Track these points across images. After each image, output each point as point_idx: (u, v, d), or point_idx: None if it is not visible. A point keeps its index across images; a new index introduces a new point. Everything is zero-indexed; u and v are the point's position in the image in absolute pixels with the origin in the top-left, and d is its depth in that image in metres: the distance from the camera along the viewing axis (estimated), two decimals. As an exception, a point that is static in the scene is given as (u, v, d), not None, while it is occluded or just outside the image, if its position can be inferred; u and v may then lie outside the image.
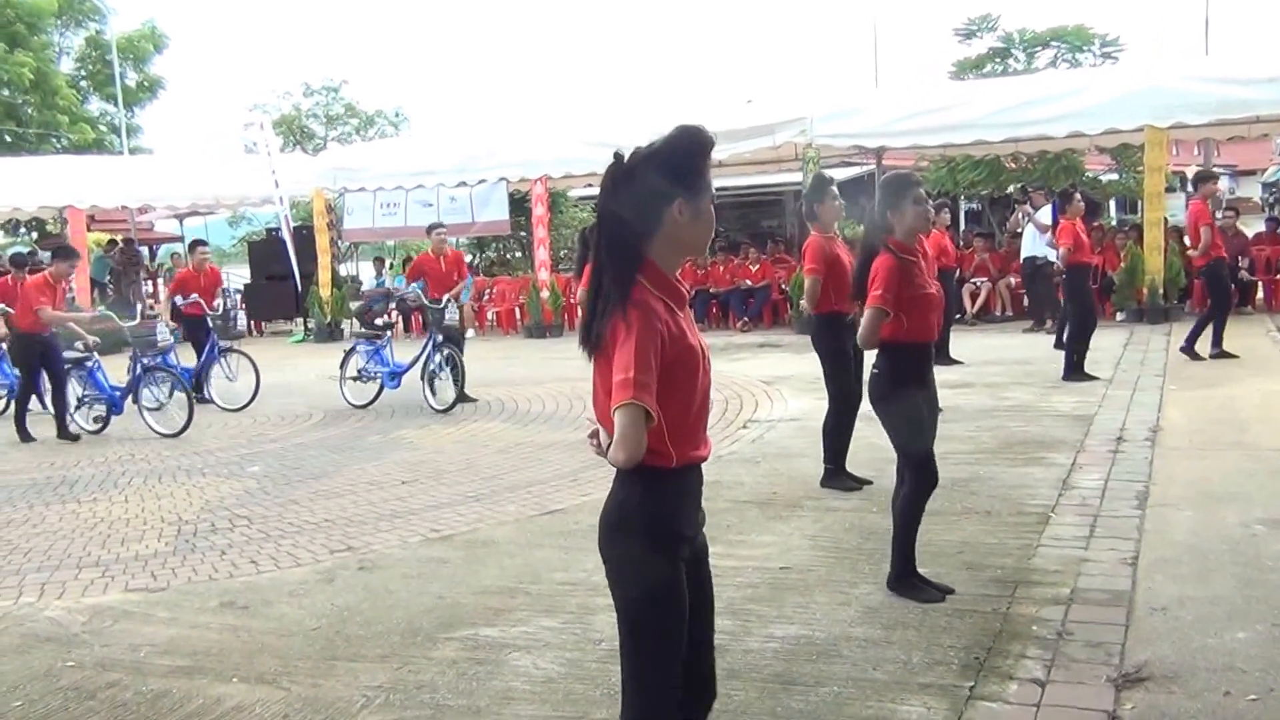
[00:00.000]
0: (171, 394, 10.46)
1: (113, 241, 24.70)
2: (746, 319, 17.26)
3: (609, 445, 2.50)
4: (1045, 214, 14.19)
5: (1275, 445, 7.25)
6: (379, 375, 11.13)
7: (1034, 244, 14.39)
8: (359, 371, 11.20)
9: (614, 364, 2.46)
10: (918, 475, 4.81)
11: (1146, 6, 75.26)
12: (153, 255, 30.00)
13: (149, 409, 10.37)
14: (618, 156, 2.59)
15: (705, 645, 2.83)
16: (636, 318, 2.47)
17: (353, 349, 11.40)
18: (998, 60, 22.59)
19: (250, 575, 5.76)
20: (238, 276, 25.91)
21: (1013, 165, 20.44)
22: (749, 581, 5.17)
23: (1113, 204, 27.12)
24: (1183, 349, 10.99)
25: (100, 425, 10.51)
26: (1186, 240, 15.61)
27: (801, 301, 7.09)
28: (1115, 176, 23.47)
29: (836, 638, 4.42)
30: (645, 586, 2.60)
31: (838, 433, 6.85)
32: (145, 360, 10.53)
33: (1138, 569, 5.02)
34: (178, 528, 6.79)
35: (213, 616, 5.14)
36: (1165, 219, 14.97)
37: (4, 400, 11.73)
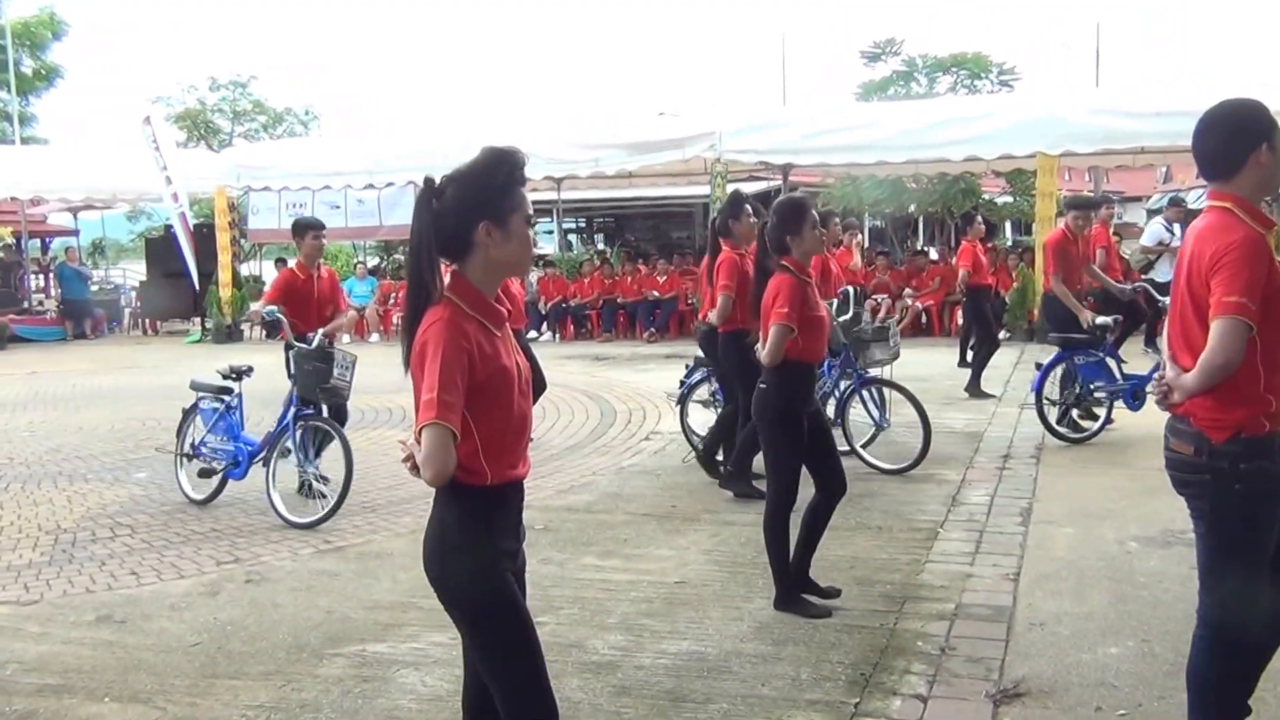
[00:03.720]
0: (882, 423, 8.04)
1: None
2: (653, 329, 17.35)
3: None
4: (1151, 233, 14.00)
5: (1151, 464, 7.45)
6: None
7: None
8: None
9: (422, 383, 2.51)
10: (778, 492, 4.93)
11: (1042, 39, 77.73)
12: (45, 249, 29.01)
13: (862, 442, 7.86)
14: (428, 180, 2.63)
15: None
16: (443, 338, 2.51)
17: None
18: (901, 83, 23.13)
19: (130, 588, 5.58)
20: (134, 273, 25.20)
21: (913, 185, 20.93)
22: (644, 596, 5.19)
23: (1008, 226, 27.90)
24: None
25: None
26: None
27: (710, 315, 7.17)
28: (1010, 199, 24.20)
29: (728, 654, 4.46)
30: (481, 602, 2.64)
31: (751, 444, 6.91)
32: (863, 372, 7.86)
33: (1019, 585, 5.17)
34: (55, 537, 6.56)
35: (87, 631, 4.96)
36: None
37: (218, 473, 7.26)
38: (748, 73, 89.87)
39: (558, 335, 18.02)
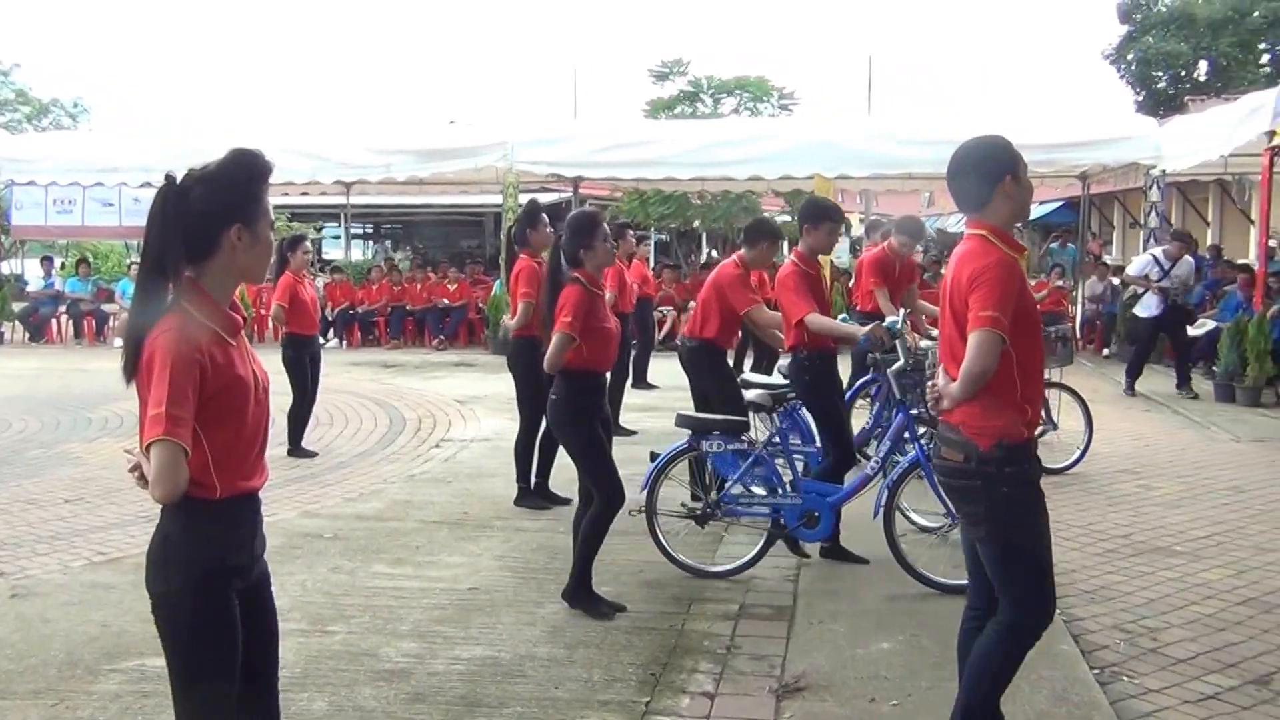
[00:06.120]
0: None
1: None
2: (442, 337, 17.20)
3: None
4: (1139, 264, 13.00)
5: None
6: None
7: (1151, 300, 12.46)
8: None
9: (149, 396, 2.40)
10: (605, 495, 5.04)
11: (818, 66, 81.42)
12: None
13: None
14: (169, 178, 2.54)
15: (268, 678, 2.81)
16: (174, 348, 2.41)
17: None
18: (688, 102, 23.78)
19: (-119, 605, 5.16)
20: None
21: (698, 201, 21.55)
22: (437, 603, 5.20)
23: (785, 245, 29.01)
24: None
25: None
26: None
27: (506, 319, 7.25)
28: (789, 219, 25.20)
29: (521, 658, 4.53)
30: (193, 623, 2.54)
31: (528, 453, 7.02)
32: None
33: (799, 585, 5.45)
34: None
35: None
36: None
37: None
38: (539, 87, 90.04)
39: (344, 342, 17.62)
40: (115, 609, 5.08)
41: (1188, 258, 12.51)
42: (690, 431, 5.73)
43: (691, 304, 16.93)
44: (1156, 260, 12.39)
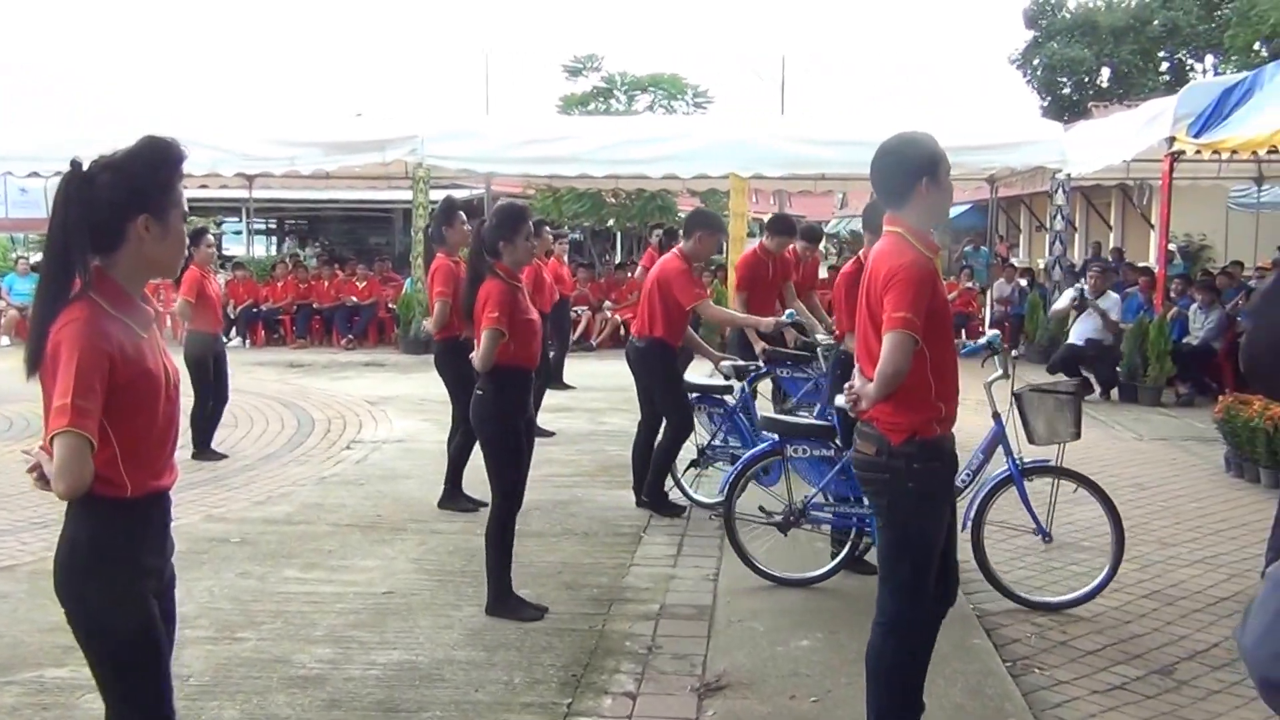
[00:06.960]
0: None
1: None
2: (351, 336, 16.85)
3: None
4: (1067, 296, 13.01)
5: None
6: None
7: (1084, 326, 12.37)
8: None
9: (54, 388, 2.33)
10: (504, 498, 4.98)
11: (732, 64, 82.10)
12: None
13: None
14: (74, 165, 2.46)
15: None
16: (80, 338, 2.35)
17: None
18: (601, 99, 23.77)
19: None
20: None
21: (613, 200, 21.54)
22: (351, 608, 5.08)
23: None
24: None
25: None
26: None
27: (425, 323, 7.10)
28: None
29: (440, 661, 4.45)
30: (115, 627, 2.47)
31: (465, 455, 6.87)
32: None
33: (719, 585, 5.44)
34: None
35: None
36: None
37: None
38: (449, 79, 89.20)
39: (248, 341, 17.16)
40: (8, 619, 4.87)
41: (1112, 293, 12.44)
42: (777, 435, 5.58)
43: (607, 304, 17.01)
44: (1082, 293, 12.40)
